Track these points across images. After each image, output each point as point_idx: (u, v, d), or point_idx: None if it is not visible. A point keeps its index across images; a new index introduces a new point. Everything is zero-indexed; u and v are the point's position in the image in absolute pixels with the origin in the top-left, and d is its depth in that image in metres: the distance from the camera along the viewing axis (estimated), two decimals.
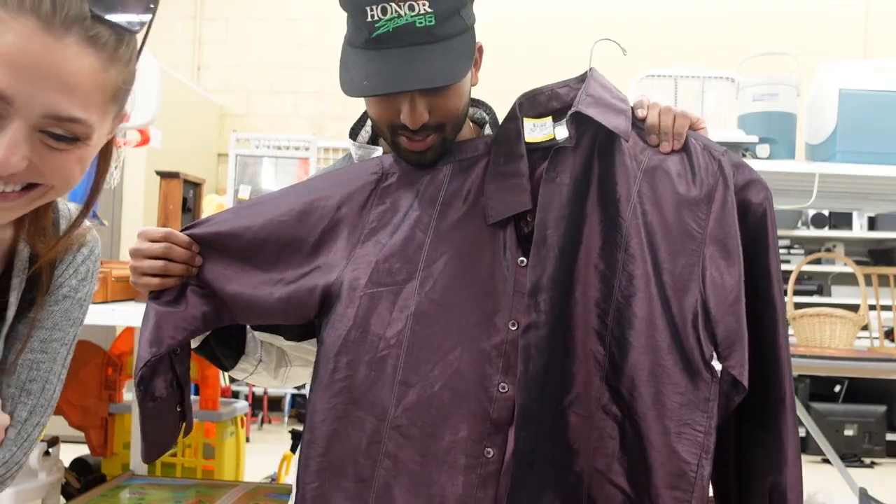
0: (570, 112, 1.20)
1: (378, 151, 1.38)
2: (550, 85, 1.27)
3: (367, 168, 1.27)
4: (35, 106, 0.76)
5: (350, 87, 1.22)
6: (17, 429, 0.96)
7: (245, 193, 2.38)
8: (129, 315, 2.04)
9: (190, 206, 2.34)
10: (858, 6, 6.23)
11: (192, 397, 3.87)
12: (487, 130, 1.36)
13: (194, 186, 2.36)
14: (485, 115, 1.38)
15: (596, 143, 1.22)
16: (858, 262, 5.49)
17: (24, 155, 0.78)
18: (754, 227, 1.20)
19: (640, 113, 1.24)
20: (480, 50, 1.29)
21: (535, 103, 1.26)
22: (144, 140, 3.46)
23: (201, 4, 6.53)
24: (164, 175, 2.23)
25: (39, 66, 0.75)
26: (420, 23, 1.14)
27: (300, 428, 3.21)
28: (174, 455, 3.18)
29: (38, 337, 0.96)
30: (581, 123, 1.21)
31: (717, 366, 1.16)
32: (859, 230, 5.91)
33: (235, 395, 5.57)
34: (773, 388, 1.21)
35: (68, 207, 1.03)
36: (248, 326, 1.37)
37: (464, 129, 1.31)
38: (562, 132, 1.22)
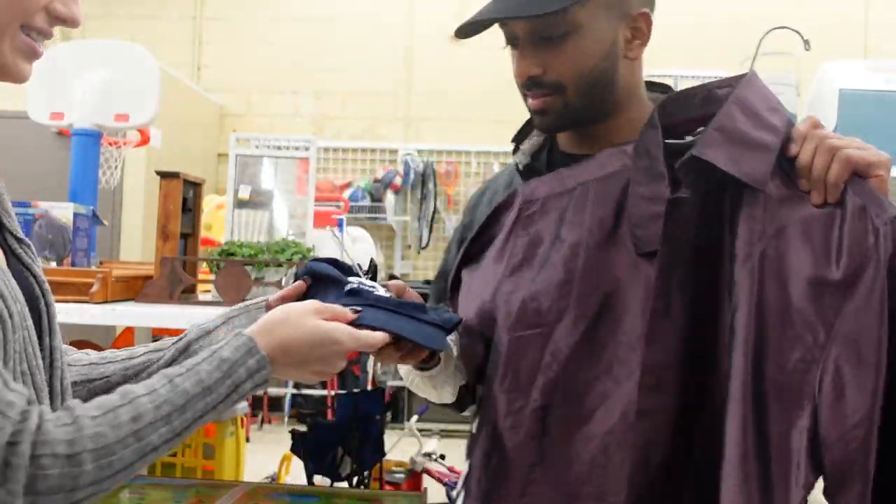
0: (683, 158, 0.99)
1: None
2: (709, 84, 1.04)
3: (514, 196, 1.15)
4: None
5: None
6: None
7: (245, 193, 2.38)
8: (129, 315, 2.04)
9: (190, 206, 2.34)
10: (858, 6, 6.23)
11: None
12: None
13: (194, 186, 2.36)
14: (657, 95, 1.23)
15: (725, 186, 0.99)
16: None
17: None
18: None
19: (793, 149, 0.98)
20: (645, 18, 1.14)
21: (682, 107, 1.04)
22: (144, 140, 3.46)
23: (201, 4, 6.53)
24: (164, 175, 2.23)
25: None
26: None
27: (300, 428, 3.21)
28: (174, 455, 3.18)
29: None
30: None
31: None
32: None
33: None
34: None
35: None
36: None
37: (639, 109, 1.16)
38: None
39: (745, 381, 0.92)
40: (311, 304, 0.99)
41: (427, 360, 1.14)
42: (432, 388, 1.24)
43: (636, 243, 1.01)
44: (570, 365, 1.01)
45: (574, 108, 1.14)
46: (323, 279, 1.10)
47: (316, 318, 0.97)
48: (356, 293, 1.06)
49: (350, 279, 1.08)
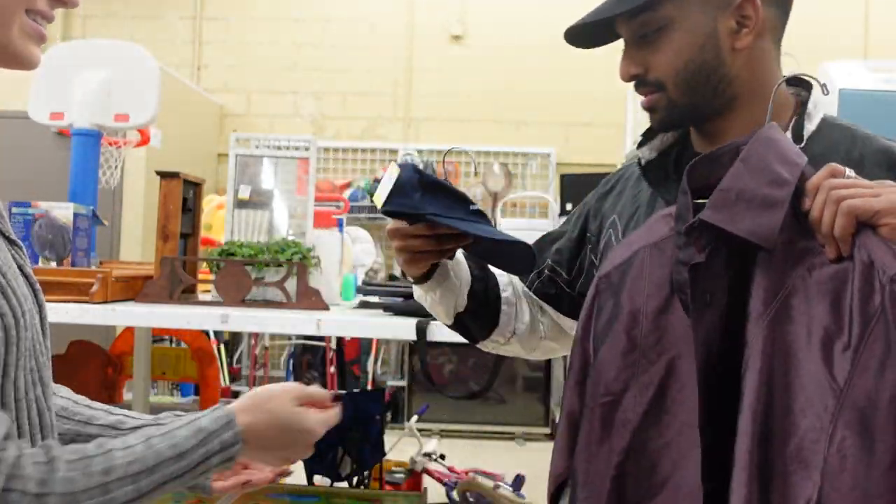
0: (691, 223, 0.98)
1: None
2: (736, 141, 1.00)
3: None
4: None
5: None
6: None
7: (245, 193, 2.38)
8: (129, 315, 2.04)
9: (190, 206, 2.34)
10: (858, 6, 6.23)
11: (193, 397, 3.88)
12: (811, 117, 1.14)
13: (194, 186, 2.36)
14: (805, 93, 1.17)
15: (746, 246, 0.95)
16: None
17: None
18: None
19: (806, 203, 0.93)
20: (752, 4, 1.09)
21: (713, 167, 1.00)
22: (144, 140, 3.46)
23: (201, 4, 6.53)
24: (164, 175, 2.23)
25: None
26: None
27: None
28: None
29: None
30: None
31: None
32: None
33: (235, 395, 5.57)
34: None
35: None
36: (502, 300, 1.36)
37: (769, 104, 1.11)
38: None
39: (751, 448, 0.89)
40: (293, 389, 1.00)
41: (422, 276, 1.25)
42: (424, 302, 1.33)
43: (683, 308, 0.99)
44: (640, 433, 1.00)
45: (679, 104, 1.13)
46: (436, 188, 1.16)
47: (294, 406, 0.98)
48: (481, 214, 1.15)
49: (471, 199, 1.18)
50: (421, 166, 5.90)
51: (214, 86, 6.51)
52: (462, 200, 1.16)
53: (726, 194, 0.94)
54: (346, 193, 5.79)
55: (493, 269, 1.36)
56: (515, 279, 1.40)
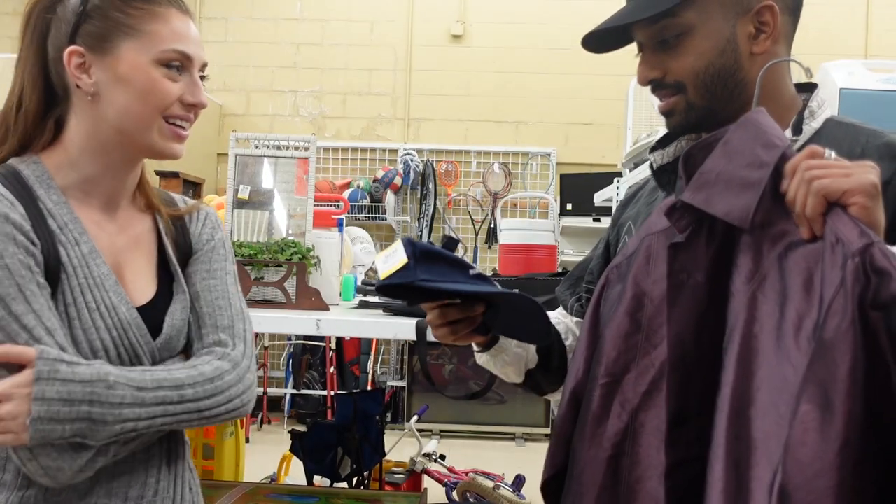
0: (672, 204, 1.02)
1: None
2: (730, 127, 1.00)
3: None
4: (198, 59, 1.19)
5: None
6: (228, 331, 1.21)
7: (245, 193, 2.38)
8: None
9: None
10: (859, 6, 6.23)
11: None
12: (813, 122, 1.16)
13: (194, 186, 2.36)
14: (809, 103, 1.17)
15: (729, 228, 0.97)
16: None
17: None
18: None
19: (784, 184, 0.93)
20: (771, 10, 1.12)
21: (707, 153, 1.01)
22: None
23: (201, 4, 6.53)
24: (164, 175, 2.23)
25: (193, 36, 1.17)
26: None
27: (300, 428, 3.20)
28: None
29: (201, 269, 1.24)
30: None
31: None
32: None
33: None
34: None
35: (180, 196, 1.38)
36: (567, 348, 1.37)
37: (779, 108, 1.13)
38: None
39: (728, 424, 0.90)
40: None
41: (484, 343, 1.26)
42: (494, 367, 1.33)
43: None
44: (639, 414, 1.01)
45: (698, 106, 1.15)
46: (434, 257, 1.16)
47: None
48: (483, 278, 1.17)
49: (471, 264, 1.19)
50: (420, 167, 5.83)
51: (214, 85, 6.51)
52: (460, 266, 1.16)
53: (707, 176, 0.97)
54: (346, 193, 5.79)
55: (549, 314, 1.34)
56: (572, 325, 1.40)
